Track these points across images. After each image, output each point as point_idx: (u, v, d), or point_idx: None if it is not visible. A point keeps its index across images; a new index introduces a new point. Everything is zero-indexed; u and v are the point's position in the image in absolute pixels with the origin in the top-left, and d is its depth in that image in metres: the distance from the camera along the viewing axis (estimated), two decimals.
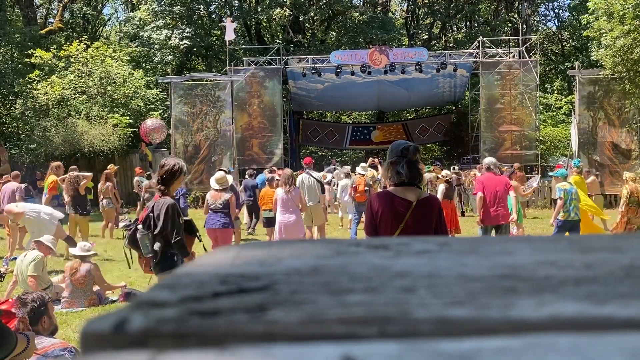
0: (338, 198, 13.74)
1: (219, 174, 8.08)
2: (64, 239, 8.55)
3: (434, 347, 0.32)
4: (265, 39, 28.98)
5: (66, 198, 10.32)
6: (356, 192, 11.04)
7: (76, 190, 10.01)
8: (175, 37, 24.40)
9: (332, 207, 14.91)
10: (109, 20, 36.98)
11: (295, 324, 0.35)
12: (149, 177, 16.00)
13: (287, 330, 0.35)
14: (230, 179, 8.42)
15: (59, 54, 20.70)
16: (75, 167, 11.29)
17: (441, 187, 10.33)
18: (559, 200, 8.41)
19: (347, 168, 15.06)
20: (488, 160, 8.27)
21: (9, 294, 6.41)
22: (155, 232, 4.37)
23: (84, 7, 31.61)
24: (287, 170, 8.96)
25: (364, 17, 28.60)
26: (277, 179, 9.87)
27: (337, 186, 13.77)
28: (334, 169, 17.09)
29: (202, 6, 26.58)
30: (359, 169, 11.89)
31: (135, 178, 16.60)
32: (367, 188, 11.02)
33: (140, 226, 4.46)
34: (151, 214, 4.41)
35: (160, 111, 21.39)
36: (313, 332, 0.34)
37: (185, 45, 24.60)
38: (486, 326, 0.34)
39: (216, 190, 7.82)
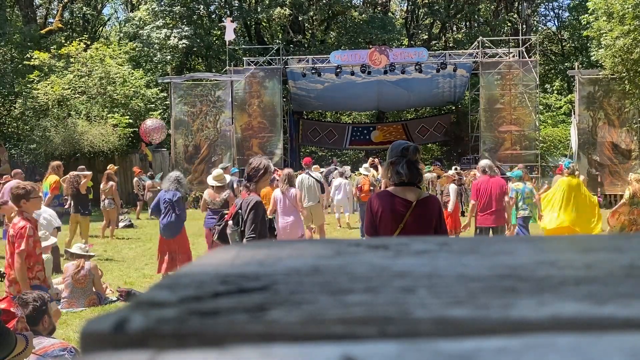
0: (331, 197, 13.87)
1: (216, 172, 8.06)
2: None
3: (434, 347, 0.32)
4: (265, 39, 28.97)
5: (68, 199, 10.31)
6: (361, 192, 11.16)
7: (76, 189, 9.99)
8: (175, 37, 24.39)
9: (332, 207, 14.95)
10: (108, 20, 36.99)
11: (295, 324, 0.35)
12: (151, 177, 16.04)
13: (287, 330, 0.35)
14: (228, 177, 8.38)
15: (59, 51, 20.69)
16: (83, 167, 11.28)
17: (453, 187, 10.21)
18: (510, 200, 8.85)
19: (347, 168, 15.07)
20: (484, 162, 8.38)
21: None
22: (243, 229, 4.54)
23: (84, 7, 31.60)
24: (286, 170, 8.94)
25: (363, 17, 28.60)
26: (277, 179, 9.86)
27: (331, 185, 13.88)
28: (335, 169, 17.11)
29: (202, 6, 26.58)
30: (362, 170, 12.03)
31: (135, 178, 16.62)
32: (371, 188, 11.15)
33: (230, 222, 4.64)
34: (240, 211, 4.57)
35: (160, 111, 21.40)
36: (313, 332, 0.34)
37: (184, 44, 24.57)
38: (486, 326, 0.34)
39: (214, 188, 7.79)
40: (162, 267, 7.26)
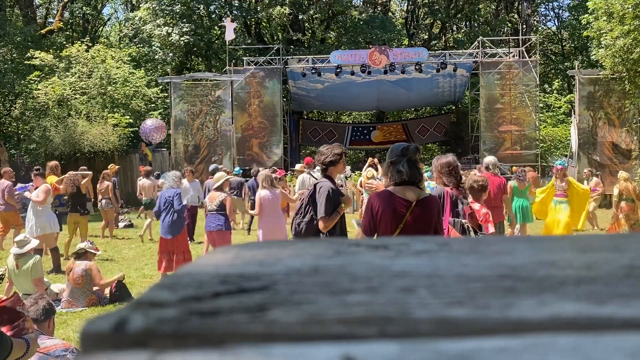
0: None
1: (217, 175, 8.07)
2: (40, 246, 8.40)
3: (434, 347, 0.32)
4: (265, 39, 28.96)
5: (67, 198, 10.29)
6: None
7: (77, 188, 9.96)
8: (176, 34, 24.36)
9: None
10: (108, 20, 36.97)
11: (295, 324, 0.35)
12: (155, 177, 15.95)
13: (287, 330, 0.34)
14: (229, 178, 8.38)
15: (60, 54, 20.70)
16: (84, 167, 11.27)
17: None
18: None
19: (347, 168, 15.09)
20: (488, 159, 8.31)
21: (8, 294, 6.42)
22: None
23: (84, 7, 31.59)
24: (265, 171, 8.59)
25: (363, 16, 28.58)
26: (277, 179, 9.86)
27: None
28: None
29: (202, 5, 26.57)
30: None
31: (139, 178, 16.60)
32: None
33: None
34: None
35: (160, 111, 21.39)
36: (313, 332, 0.34)
37: (185, 40, 24.48)
38: (486, 326, 0.34)
39: (214, 190, 7.81)
40: (162, 265, 7.27)
